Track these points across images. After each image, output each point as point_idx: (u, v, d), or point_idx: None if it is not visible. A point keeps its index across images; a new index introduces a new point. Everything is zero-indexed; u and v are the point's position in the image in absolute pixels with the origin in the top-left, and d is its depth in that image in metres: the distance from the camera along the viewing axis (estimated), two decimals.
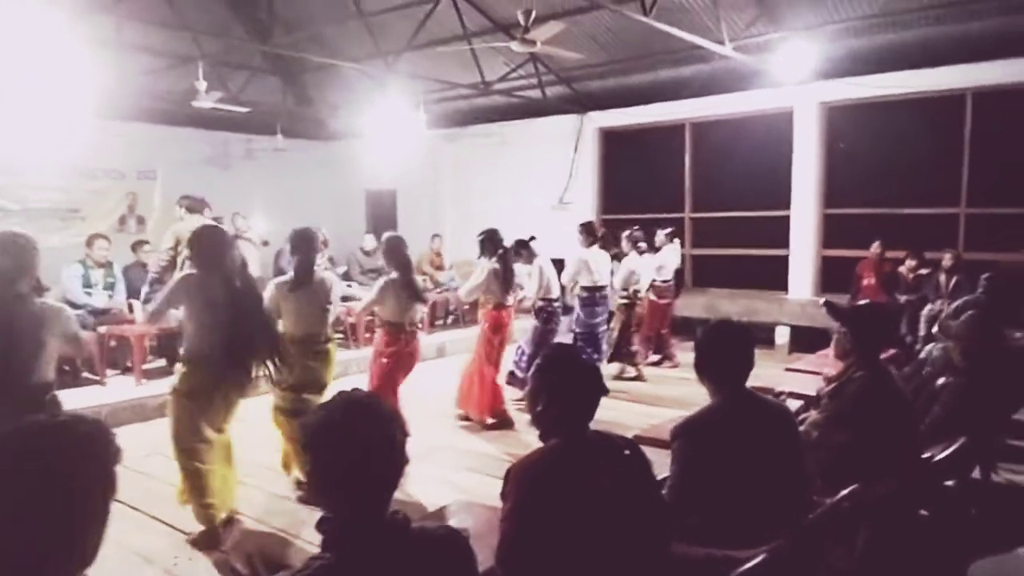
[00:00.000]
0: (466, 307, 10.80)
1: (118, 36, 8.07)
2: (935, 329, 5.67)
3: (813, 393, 3.92)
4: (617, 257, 8.02)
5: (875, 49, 8.50)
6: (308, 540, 3.85)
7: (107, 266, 7.56)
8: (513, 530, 1.98)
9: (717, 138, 10.44)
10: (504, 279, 6.16)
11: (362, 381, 5.27)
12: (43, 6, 5.87)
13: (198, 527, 3.91)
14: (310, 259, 4.59)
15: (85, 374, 7.02)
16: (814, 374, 4.55)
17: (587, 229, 7.48)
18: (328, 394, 4.13)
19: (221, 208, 7.55)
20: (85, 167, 10.90)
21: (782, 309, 9.53)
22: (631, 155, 11.40)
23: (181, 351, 3.91)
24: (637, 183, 11.27)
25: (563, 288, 7.12)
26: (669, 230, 8.75)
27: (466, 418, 6.29)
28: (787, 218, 9.72)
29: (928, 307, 7.92)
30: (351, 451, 1.50)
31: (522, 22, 6.61)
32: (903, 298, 8.29)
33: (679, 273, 8.76)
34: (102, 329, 7.00)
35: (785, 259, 9.80)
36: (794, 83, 8.61)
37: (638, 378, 7.80)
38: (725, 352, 2.61)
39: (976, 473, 3.76)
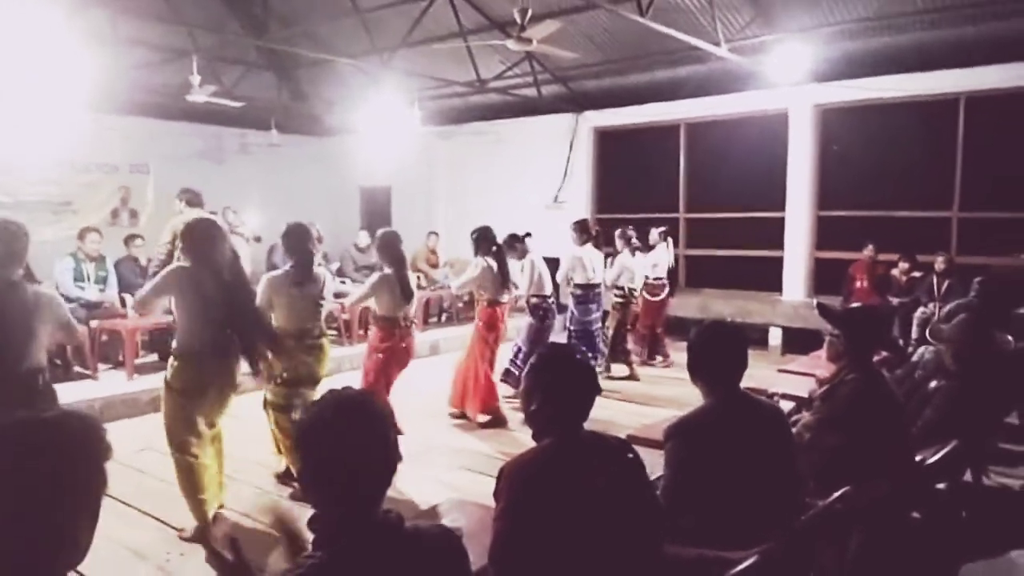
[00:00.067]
0: (460, 305, 10.81)
1: (113, 30, 8.03)
2: (927, 332, 5.70)
3: (805, 395, 3.93)
4: (611, 256, 8.05)
5: (870, 52, 8.52)
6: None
7: (99, 260, 7.52)
8: (506, 529, 1.97)
9: (712, 139, 10.46)
10: (500, 275, 6.17)
11: (355, 378, 5.26)
12: (39, 0, 5.83)
13: (190, 523, 3.90)
14: (309, 257, 4.57)
15: (77, 368, 7.00)
16: (807, 376, 4.57)
17: (581, 227, 7.50)
18: (322, 388, 4.15)
19: (214, 203, 7.50)
20: (78, 160, 10.82)
21: (775, 310, 9.56)
22: (626, 155, 11.41)
23: (173, 345, 3.89)
24: (632, 183, 11.28)
25: (557, 286, 7.13)
26: (663, 228, 8.77)
27: (460, 416, 6.28)
28: (781, 219, 9.74)
29: (920, 310, 7.96)
30: (343, 449, 1.50)
31: (518, 20, 6.60)
32: (895, 301, 8.33)
33: (671, 271, 8.79)
34: (94, 323, 6.96)
35: (779, 260, 9.82)
36: (789, 85, 8.63)
37: (631, 377, 7.81)
38: (718, 353, 2.61)
39: (968, 476, 3.77)
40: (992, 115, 8.31)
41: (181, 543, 3.88)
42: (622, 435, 2.47)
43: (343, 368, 7.40)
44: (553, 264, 7.12)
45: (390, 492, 1.58)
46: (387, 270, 5.14)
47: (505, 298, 6.32)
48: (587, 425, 2.16)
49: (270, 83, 12.50)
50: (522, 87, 10.81)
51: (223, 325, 3.79)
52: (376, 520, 1.53)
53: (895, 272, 8.54)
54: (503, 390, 6.45)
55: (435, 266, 11.18)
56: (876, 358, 3.38)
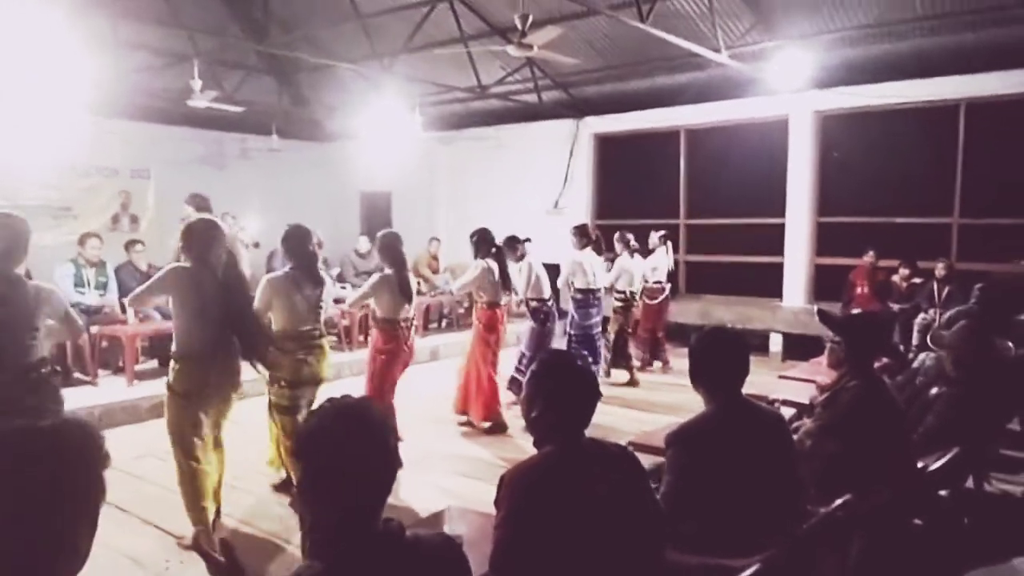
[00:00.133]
0: (460, 311, 10.80)
1: (114, 33, 8.03)
2: (928, 339, 5.69)
3: (806, 401, 3.92)
4: (611, 261, 8.06)
5: (870, 59, 8.54)
6: (298, 545, 3.80)
7: (99, 265, 7.51)
8: (507, 537, 1.96)
9: (712, 145, 10.47)
10: (500, 277, 6.17)
11: (356, 384, 5.26)
12: (40, 3, 5.84)
13: (189, 530, 3.87)
14: (312, 259, 4.55)
15: (77, 374, 6.98)
16: (808, 382, 4.55)
17: (581, 231, 7.52)
18: (323, 392, 4.13)
19: (215, 208, 7.49)
20: (78, 165, 10.82)
21: (776, 316, 9.55)
22: (626, 161, 11.42)
23: (172, 348, 3.88)
24: (632, 189, 11.29)
25: (557, 291, 7.12)
26: (662, 232, 8.80)
27: (467, 423, 6.23)
28: (781, 226, 9.75)
29: (921, 316, 7.96)
30: (342, 458, 1.49)
31: (519, 26, 6.61)
32: (896, 307, 8.33)
33: (671, 275, 8.81)
34: (94, 329, 6.94)
35: (779, 266, 9.82)
36: (789, 91, 8.63)
37: (631, 383, 7.81)
38: (719, 359, 2.60)
39: (969, 483, 3.76)
40: (992, 122, 8.32)
41: (180, 550, 3.87)
42: (623, 442, 2.46)
43: (343, 374, 7.38)
44: (553, 271, 7.11)
45: (390, 499, 1.57)
46: (387, 271, 5.14)
47: (504, 300, 6.32)
48: (587, 431, 2.15)
49: (271, 88, 12.52)
50: (523, 93, 10.82)
51: (223, 325, 3.78)
52: (376, 528, 1.52)
53: (895, 278, 8.54)
54: (506, 396, 6.42)
55: (436, 271, 11.18)
56: (877, 364, 3.37)
